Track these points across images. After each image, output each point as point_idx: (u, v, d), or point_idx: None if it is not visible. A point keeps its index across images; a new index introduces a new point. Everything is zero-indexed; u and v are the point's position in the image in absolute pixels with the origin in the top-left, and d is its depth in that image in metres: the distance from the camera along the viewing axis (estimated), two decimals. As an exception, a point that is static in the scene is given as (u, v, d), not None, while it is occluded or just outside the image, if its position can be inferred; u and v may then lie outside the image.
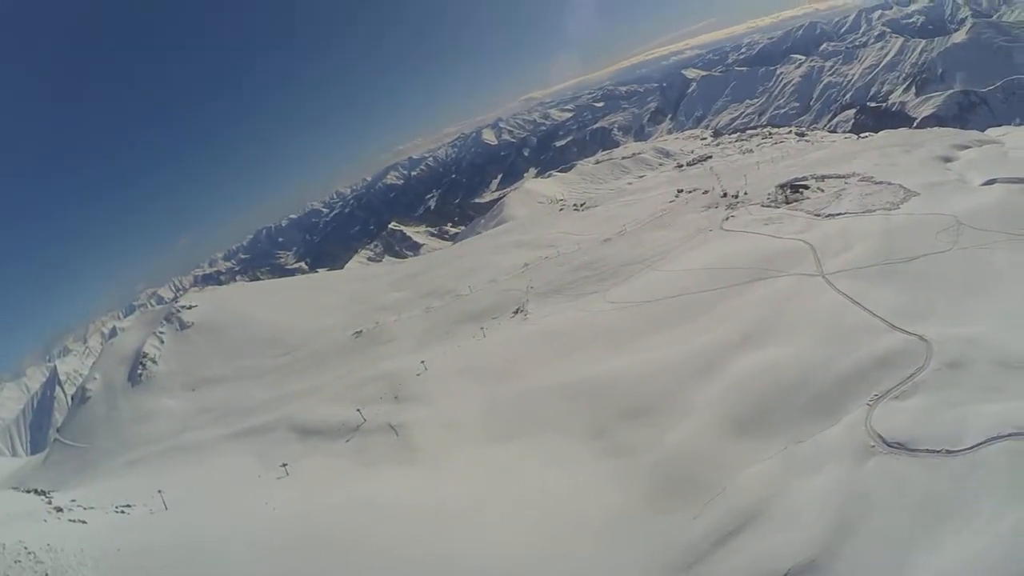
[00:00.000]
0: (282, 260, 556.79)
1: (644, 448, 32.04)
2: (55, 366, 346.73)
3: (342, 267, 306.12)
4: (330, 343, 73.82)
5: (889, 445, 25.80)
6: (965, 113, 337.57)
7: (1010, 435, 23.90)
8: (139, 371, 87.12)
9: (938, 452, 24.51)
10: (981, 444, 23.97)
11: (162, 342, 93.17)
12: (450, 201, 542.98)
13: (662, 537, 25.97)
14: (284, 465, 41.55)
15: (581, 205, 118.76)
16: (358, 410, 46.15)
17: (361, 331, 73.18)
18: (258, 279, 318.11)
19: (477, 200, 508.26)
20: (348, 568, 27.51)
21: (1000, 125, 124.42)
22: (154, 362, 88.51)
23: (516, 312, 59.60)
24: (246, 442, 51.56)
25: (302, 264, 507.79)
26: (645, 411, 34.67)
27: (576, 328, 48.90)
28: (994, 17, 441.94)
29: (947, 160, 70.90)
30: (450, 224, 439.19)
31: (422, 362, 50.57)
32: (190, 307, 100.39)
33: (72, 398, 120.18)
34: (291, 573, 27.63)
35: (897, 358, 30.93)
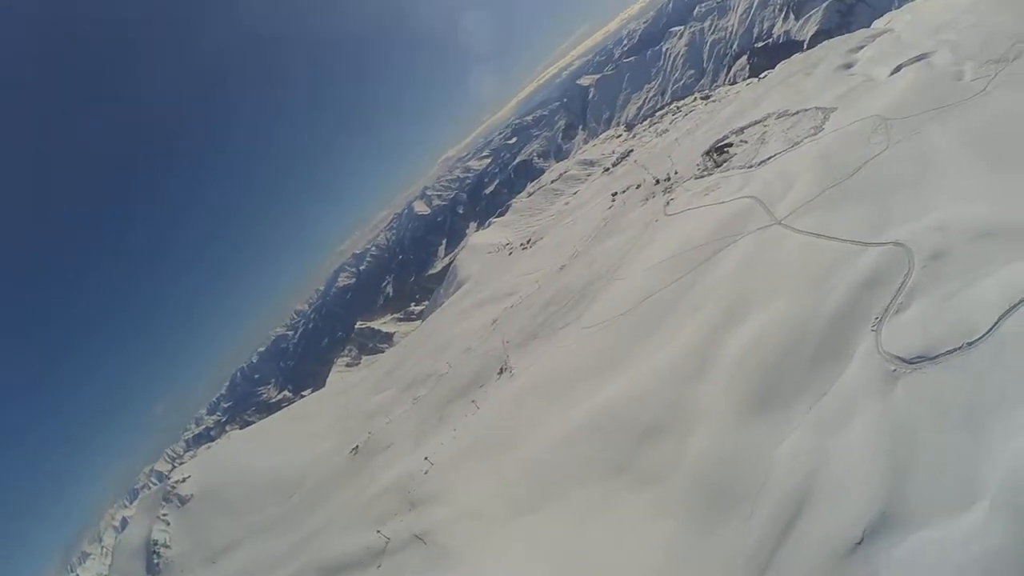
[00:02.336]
0: (264, 396, 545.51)
1: (670, 467, 30.35)
2: None
3: (323, 383, 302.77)
4: (330, 469, 70.97)
5: (910, 362, 24.79)
6: (847, 18, 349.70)
7: (1021, 301, 23.21)
8: (155, 561, 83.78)
9: (959, 349, 23.58)
10: (997, 322, 23.21)
11: (168, 524, 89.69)
12: (405, 281, 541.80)
13: (726, 552, 24.18)
14: None
15: (527, 242, 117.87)
16: (378, 531, 43.55)
17: (357, 447, 70.46)
18: (248, 422, 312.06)
19: (430, 272, 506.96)
20: None
21: (882, 15, 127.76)
22: (167, 546, 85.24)
23: (501, 372, 57.71)
24: (280, 601, 48.76)
25: (285, 393, 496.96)
26: (657, 429, 32.95)
27: (562, 367, 47.34)
28: None
29: (848, 66, 72.03)
30: (413, 304, 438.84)
31: (425, 458, 48.28)
32: (183, 480, 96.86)
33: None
34: None
35: (882, 273, 30.22)
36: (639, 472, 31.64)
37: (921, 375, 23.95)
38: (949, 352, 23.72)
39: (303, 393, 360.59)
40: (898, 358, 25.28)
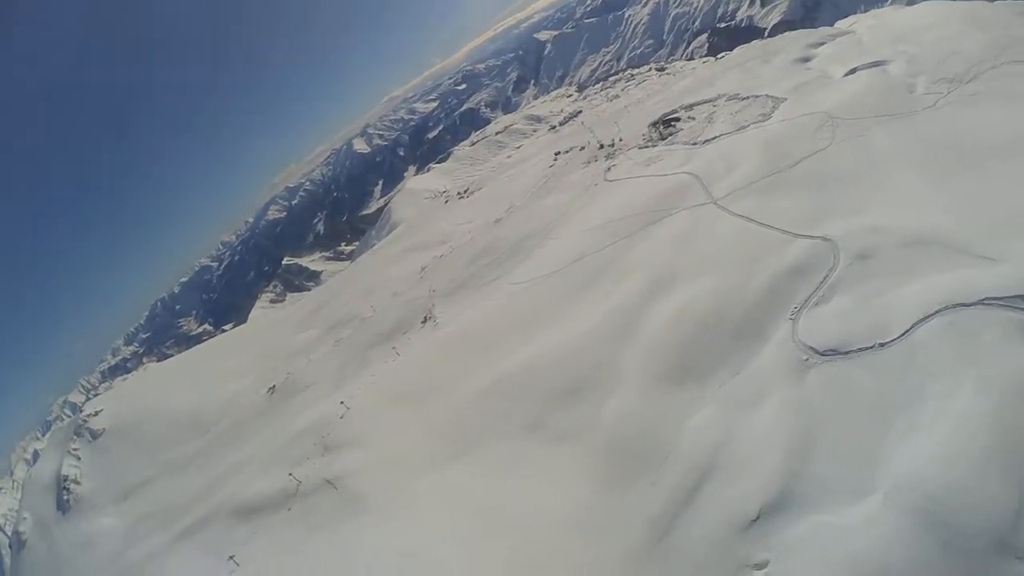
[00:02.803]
0: (185, 328, 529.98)
1: (587, 427, 30.62)
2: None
3: (246, 318, 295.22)
4: (248, 408, 68.77)
5: (822, 354, 25.66)
6: (812, 12, 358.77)
7: (937, 312, 24.20)
8: (65, 497, 79.57)
9: (871, 348, 24.54)
10: (910, 328, 24.20)
11: (79, 459, 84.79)
12: (338, 220, 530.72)
13: (629, 514, 24.81)
14: (232, 557, 38.13)
15: (465, 191, 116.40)
16: (290, 474, 42.80)
17: (274, 386, 68.78)
18: (166, 355, 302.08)
19: (364, 212, 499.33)
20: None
21: (847, 16, 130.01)
22: (77, 482, 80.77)
23: (425, 321, 56.91)
24: (192, 540, 46.74)
25: (206, 326, 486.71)
26: (576, 389, 33.11)
27: (488, 321, 46.87)
28: None
29: (806, 60, 72.94)
30: (343, 243, 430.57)
31: (342, 402, 47.50)
32: (96, 413, 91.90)
33: (10, 546, 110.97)
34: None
35: (807, 265, 31.00)
36: (557, 429, 31.75)
37: (832, 367, 24.80)
38: (862, 349, 24.65)
39: (224, 327, 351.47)
40: (812, 348, 26.11)
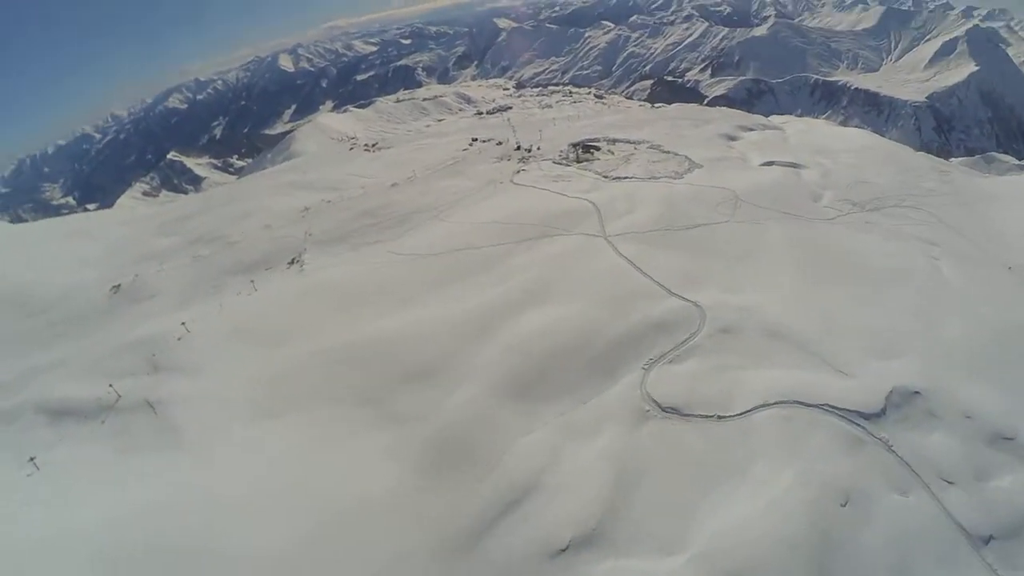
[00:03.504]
0: (48, 195, 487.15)
1: (421, 415, 29.71)
2: None
3: (113, 203, 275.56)
4: (86, 303, 62.40)
5: (664, 410, 26.42)
6: (753, 99, 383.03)
7: (777, 403, 25.71)
8: None
9: (710, 417, 25.63)
10: (750, 411, 25.58)
11: None
12: (238, 131, 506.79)
13: (444, 512, 24.34)
14: (32, 459, 34.48)
15: (373, 145, 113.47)
16: (111, 385, 39.35)
17: (119, 285, 63.50)
18: (21, 219, 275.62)
19: (267, 131, 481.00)
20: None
21: (783, 114, 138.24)
22: None
23: (292, 263, 54.33)
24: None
25: (69, 199, 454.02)
26: (424, 374, 32.38)
27: (356, 282, 45.42)
28: (795, 20, 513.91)
29: (732, 139, 76.99)
30: (236, 157, 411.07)
31: (183, 324, 44.48)
32: None
33: None
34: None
35: (673, 323, 31.93)
36: (391, 410, 30.79)
37: (669, 424, 25.57)
38: (702, 416, 25.65)
39: (88, 206, 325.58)
40: (655, 402, 26.84)
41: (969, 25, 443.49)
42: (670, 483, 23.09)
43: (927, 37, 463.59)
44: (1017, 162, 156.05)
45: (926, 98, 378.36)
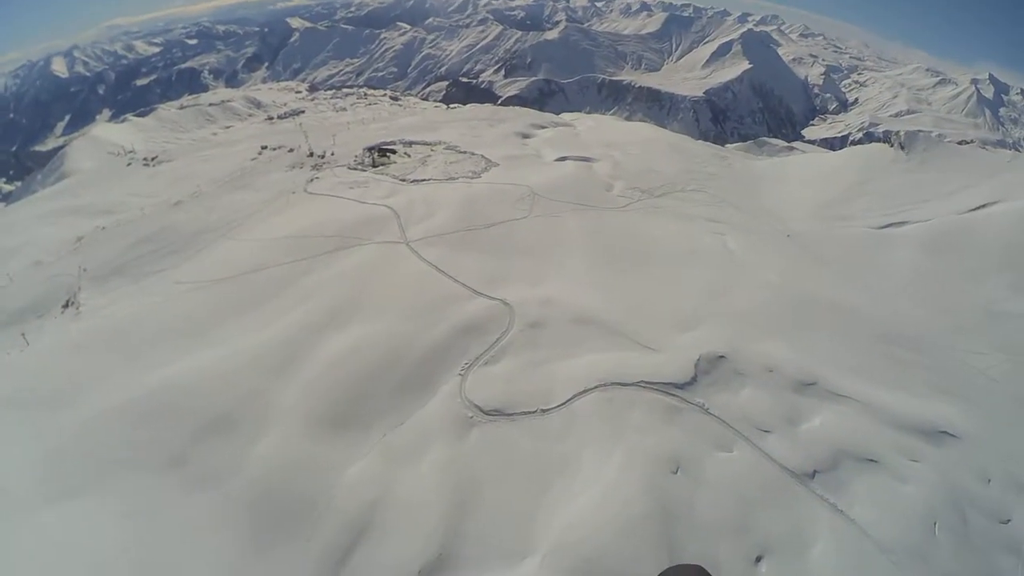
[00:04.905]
0: None
1: (232, 470, 26.03)
2: None
3: None
4: None
5: (487, 413, 26.23)
6: (545, 98, 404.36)
7: (596, 387, 26.62)
8: None
9: (534, 412, 25.78)
10: (571, 399, 26.15)
11: None
12: (5, 149, 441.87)
13: (280, 574, 22.34)
14: None
15: (153, 159, 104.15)
16: None
17: None
18: None
19: (38, 148, 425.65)
20: None
21: (574, 111, 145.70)
22: None
23: (67, 305, 47.21)
24: None
25: None
26: (226, 421, 28.76)
27: (140, 321, 39.58)
28: (585, 25, 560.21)
29: (526, 137, 79.92)
30: (4, 180, 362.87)
31: (-59, 398, 36.72)
32: None
33: None
34: None
35: (483, 324, 31.98)
36: (200, 469, 26.56)
37: (495, 427, 25.39)
38: (525, 413, 25.76)
39: None
40: (477, 407, 26.56)
41: (744, 29, 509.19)
42: (507, 487, 22.81)
43: (705, 40, 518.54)
44: (786, 144, 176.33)
45: (704, 93, 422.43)
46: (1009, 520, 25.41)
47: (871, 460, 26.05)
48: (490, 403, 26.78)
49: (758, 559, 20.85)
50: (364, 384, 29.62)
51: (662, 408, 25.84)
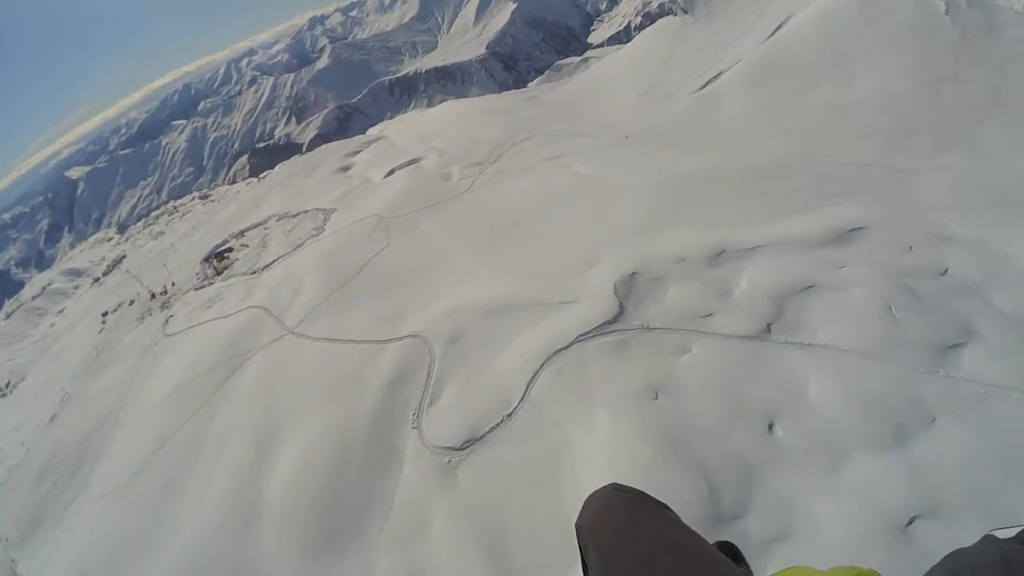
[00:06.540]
0: None
1: None
2: None
3: None
4: None
5: (460, 449, 25.20)
6: (344, 124, 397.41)
7: (543, 364, 26.71)
8: None
9: (501, 423, 25.13)
10: (527, 391, 25.85)
11: None
12: None
13: None
14: None
15: (6, 386, 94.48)
16: None
17: None
18: None
19: None
20: None
21: (376, 123, 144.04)
22: None
23: None
24: None
25: None
26: None
27: (79, 566, 34.56)
28: (349, 38, 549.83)
29: (346, 169, 78.33)
30: None
31: None
32: None
33: None
34: None
35: (407, 367, 30.82)
36: None
37: (476, 457, 24.45)
38: (493, 429, 24.97)
39: None
40: (448, 448, 25.39)
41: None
42: (521, 507, 22.06)
43: (465, 2, 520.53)
44: (580, 58, 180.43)
45: (486, 49, 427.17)
46: (946, 269, 27.41)
47: (808, 287, 27.44)
48: (457, 437, 25.65)
49: (770, 426, 21.37)
50: (331, 489, 27.38)
51: (610, 348, 25.90)
